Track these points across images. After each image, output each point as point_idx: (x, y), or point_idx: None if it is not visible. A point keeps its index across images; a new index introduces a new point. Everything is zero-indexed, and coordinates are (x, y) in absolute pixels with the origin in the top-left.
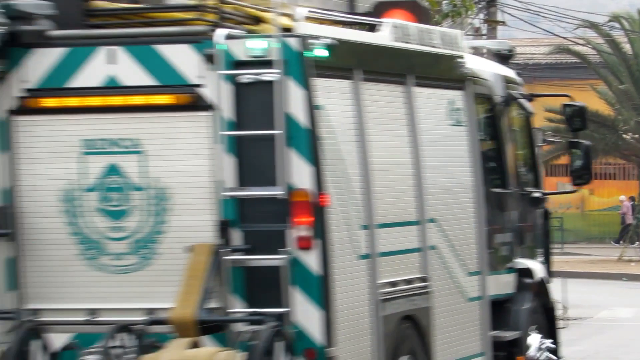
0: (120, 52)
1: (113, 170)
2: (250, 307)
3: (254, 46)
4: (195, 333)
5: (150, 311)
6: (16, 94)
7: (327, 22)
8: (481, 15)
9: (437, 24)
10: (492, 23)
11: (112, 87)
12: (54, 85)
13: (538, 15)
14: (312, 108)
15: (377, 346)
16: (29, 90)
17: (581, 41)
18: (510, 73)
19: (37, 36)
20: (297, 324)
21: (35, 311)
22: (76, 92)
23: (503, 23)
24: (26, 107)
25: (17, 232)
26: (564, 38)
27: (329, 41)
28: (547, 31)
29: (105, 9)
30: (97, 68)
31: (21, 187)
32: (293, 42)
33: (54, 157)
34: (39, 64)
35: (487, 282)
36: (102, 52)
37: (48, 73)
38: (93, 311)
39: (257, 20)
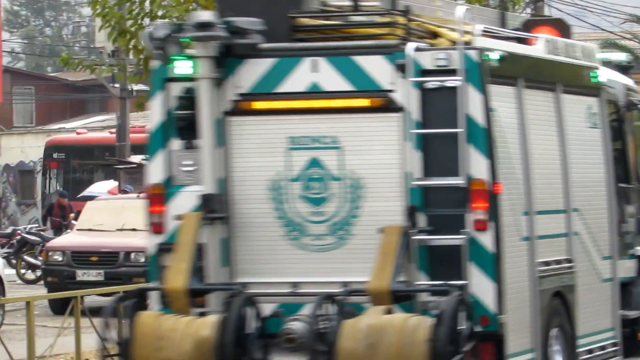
0: (322, 62)
1: (315, 163)
2: (432, 280)
3: (440, 57)
4: (390, 302)
5: (345, 284)
6: (231, 98)
7: (490, 36)
8: (528, 10)
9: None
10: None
11: (315, 92)
12: (263, 91)
13: (585, 10)
14: (488, 110)
15: (534, 318)
16: (242, 94)
17: (628, 35)
18: (630, 82)
19: (250, 48)
20: (474, 294)
21: (245, 284)
22: (283, 96)
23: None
24: (239, 109)
25: (230, 216)
26: (611, 32)
27: (500, 53)
28: (594, 26)
29: (309, 26)
30: (302, 76)
31: (234, 178)
32: (472, 54)
33: (263, 152)
34: (251, 72)
35: (617, 265)
36: (306, 62)
37: (259, 80)
38: (295, 284)
39: (435, 35)
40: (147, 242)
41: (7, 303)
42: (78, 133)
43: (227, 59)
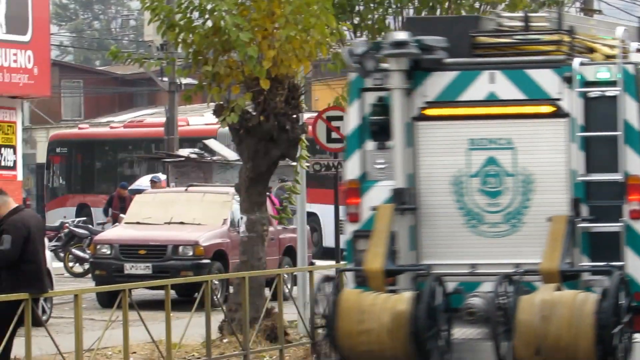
0: (498, 74)
1: (491, 161)
2: (593, 262)
3: (601, 70)
4: (559, 280)
5: (517, 265)
6: (418, 105)
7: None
8: (577, 4)
9: (533, 12)
10: (589, 12)
11: (492, 100)
12: (447, 99)
13: (634, 3)
14: None
15: None
16: (428, 102)
17: None
18: None
19: (436, 63)
20: (629, 274)
21: (430, 266)
22: (464, 104)
23: (599, 12)
24: (426, 115)
25: (417, 207)
26: None
27: None
28: None
29: (487, 44)
30: (481, 86)
31: (420, 174)
32: (630, 68)
33: (446, 151)
34: (436, 83)
35: None
36: (485, 75)
37: (443, 90)
38: (473, 265)
39: (591, 50)
40: (344, 230)
41: (55, 296)
42: (80, 128)
43: (416, 72)
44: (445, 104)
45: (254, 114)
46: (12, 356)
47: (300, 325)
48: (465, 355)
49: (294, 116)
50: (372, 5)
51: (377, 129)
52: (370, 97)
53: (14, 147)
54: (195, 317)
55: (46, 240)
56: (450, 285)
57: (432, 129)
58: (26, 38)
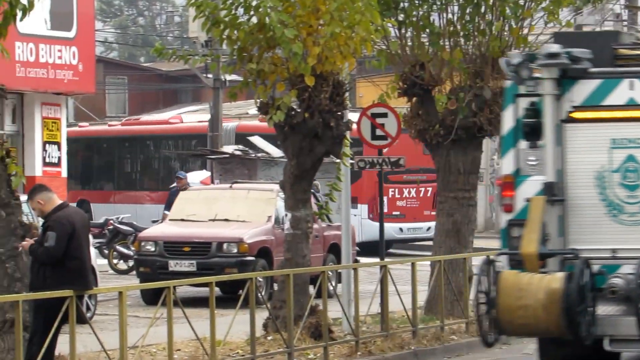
0: (637, 82)
1: (631, 158)
2: None
3: None
4: None
5: None
6: (566, 109)
7: None
8: (622, 1)
9: (577, 9)
10: (633, 9)
11: (632, 105)
12: (591, 103)
13: None
14: None
15: None
16: (575, 107)
17: None
18: None
19: (582, 72)
20: None
21: (577, 250)
22: (607, 108)
23: None
24: (572, 118)
25: (565, 199)
26: None
27: None
28: None
29: (627, 55)
30: (622, 93)
31: (568, 170)
32: None
33: (590, 150)
34: (582, 90)
35: None
36: (625, 83)
37: (588, 96)
38: (614, 250)
39: None
40: (500, 219)
41: (99, 293)
42: (80, 126)
43: (564, 80)
44: (590, 108)
45: (299, 110)
46: (56, 353)
47: (345, 322)
48: (607, 329)
49: (339, 113)
50: (416, 1)
51: (530, 130)
52: (523, 102)
53: (58, 144)
54: (239, 315)
55: (90, 237)
56: (594, 268)
57: (578, 130)
58: (71, 34)
